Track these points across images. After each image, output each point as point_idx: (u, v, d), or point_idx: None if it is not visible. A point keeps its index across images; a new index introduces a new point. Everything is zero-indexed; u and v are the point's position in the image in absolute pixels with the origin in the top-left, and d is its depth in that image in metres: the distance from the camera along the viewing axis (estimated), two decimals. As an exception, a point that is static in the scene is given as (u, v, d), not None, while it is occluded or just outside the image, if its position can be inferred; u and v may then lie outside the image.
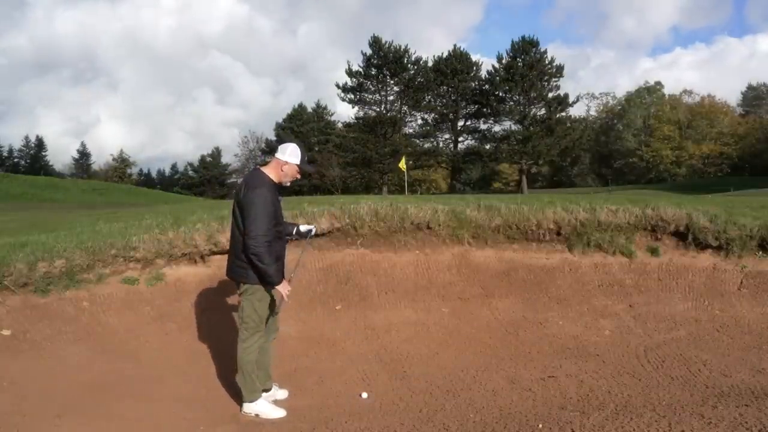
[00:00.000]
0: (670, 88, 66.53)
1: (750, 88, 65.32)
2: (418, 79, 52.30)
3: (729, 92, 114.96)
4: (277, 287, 3.66)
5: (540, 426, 3.32)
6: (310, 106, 66.83)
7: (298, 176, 3.78)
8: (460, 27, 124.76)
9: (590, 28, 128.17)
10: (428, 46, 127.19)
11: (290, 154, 3.68)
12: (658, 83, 62.85)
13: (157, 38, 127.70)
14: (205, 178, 68.95)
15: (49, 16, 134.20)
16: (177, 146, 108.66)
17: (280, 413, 3.77)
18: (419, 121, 55.26)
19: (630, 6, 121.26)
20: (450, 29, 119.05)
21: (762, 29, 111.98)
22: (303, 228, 4.10)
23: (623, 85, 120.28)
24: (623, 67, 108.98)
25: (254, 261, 3.53)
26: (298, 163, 3.70)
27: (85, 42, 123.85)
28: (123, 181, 62.03)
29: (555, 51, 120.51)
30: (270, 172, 3.71)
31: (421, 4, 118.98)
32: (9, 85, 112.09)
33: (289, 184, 3.78)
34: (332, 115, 65.95)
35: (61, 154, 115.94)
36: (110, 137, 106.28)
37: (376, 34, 51.65)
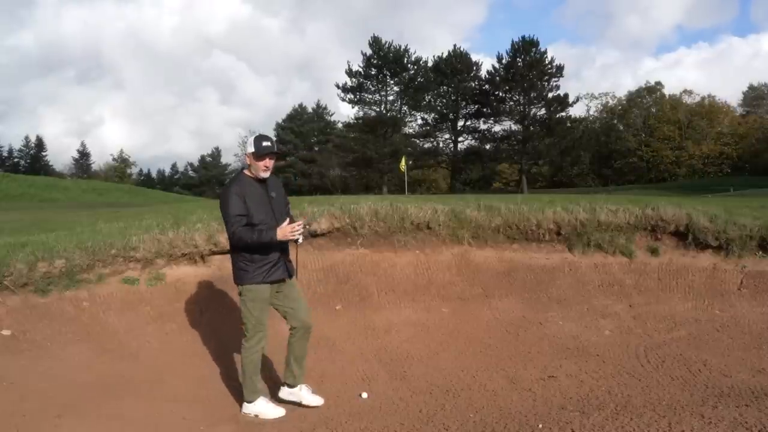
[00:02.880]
0: (672, 88, 66.51)
1: (751, 88, 65.31)
2: (418, 79, 52.34)
3: (733, 91, 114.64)
4: (279, 237, 3.55)
5: (540, 426, 3.32)
6: (310, 106, 66.88)
7: (268, 160, 3.67)
8: (465, 26, 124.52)
9: (595, 28, 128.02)
10: (434, 45, 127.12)
11: (249, 146, 3.71)
12: (659, 83, 62.85)
13: (162, 38, 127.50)
14: (205, 178, 68.98)
15: (52, 15, 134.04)
16: (180, 146, 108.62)
17: (279, 413, 3.76)
18: (419, 121, 55.39)
19: (635, 5, 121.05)
20: (455, 29, 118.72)
21: (766, 28, 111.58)
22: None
23: (627, 84, 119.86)
24: (627, 67, 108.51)
25: (243, 247, 3.59)
26: (254, 150, 3.64)
27: (88, 41, 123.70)
28: (123, 181, 62.01)
29: (559, 51, 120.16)
30: (247, 170, 3.75)
31: (428, 3, 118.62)
32: (12, 85, 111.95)
33: (267, 174, 3.69)
34: (332, 115, 66.02)
35: (63, 154, 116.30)
36: (113, 137, 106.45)
37: (376, 34, 51.74)
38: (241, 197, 3.57)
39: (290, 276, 3.83)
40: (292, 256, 3.93)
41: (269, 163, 3.68)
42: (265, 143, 3.64)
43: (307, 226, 3.79)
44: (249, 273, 3.65)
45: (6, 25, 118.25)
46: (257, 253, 3.64)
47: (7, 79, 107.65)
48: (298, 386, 3.91)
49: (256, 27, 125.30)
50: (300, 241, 3.72)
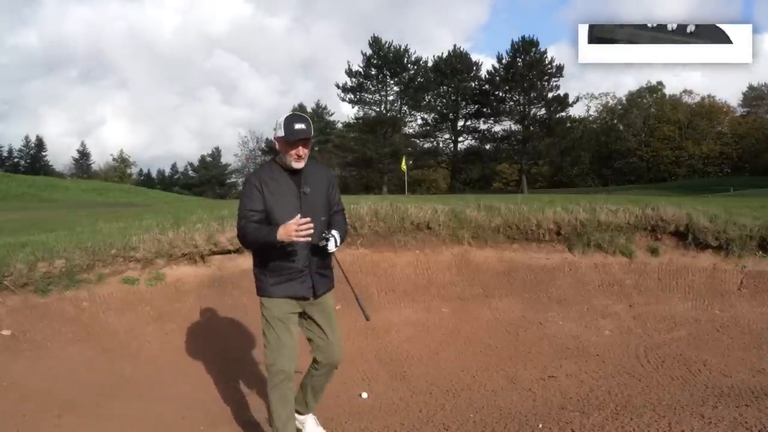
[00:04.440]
0: (673, 88, 66.42)
1: (751, 88, 65.27)
2: (418, 79, 52.41)
3: (733, 91, 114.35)
4: (282, 237, 2.77)
5: (540, 426, 3.33)
6: (310, 106, 66.88)
7: (301, 148, 2.94)
8: (468, 26, 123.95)
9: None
10: (438, 45, 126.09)
11: (278, 128, 2.94)
12: (660, 83, 62.86)
13: (164, 37, 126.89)
14: (205, 178, 68.98)
15: (54, 14, 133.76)
16: (181, 146, 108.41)
17: None
18: (419, 121, 55.48)
19: (638, 4, 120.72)
20: (458, 28, 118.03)
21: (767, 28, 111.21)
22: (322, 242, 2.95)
23: (629, 84, 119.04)
24: (629, 66, 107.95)
25: (252, 248, 3.05)
26: (284, 134, 2.90)
27: (90, 41, 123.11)
28: (123, 181, 62.00)
29: (562, 51, 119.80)
30: (280, 158, 3.07)
31: (432, 2, 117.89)
32: (13, 84, 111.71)
33: (299, 164, 2.97)
34: (332, 114, 66.06)
35: (64, 154, 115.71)
36: (115, 137, 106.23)
37: (376, 34, 51.83)
38: (259, 189, 2.94)
39: (315, 295, 3.03)
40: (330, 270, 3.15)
41: (302, 151, 2.94)
42: (298, 125, 2.89)
43: (325, 233, 2.92)
44: (263, 284, 3.01)
45: (8, 24, 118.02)
46: (271, 259, 2.95)
47: (9, 79, 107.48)
48: (307, 415, 3.37)
49: (258, 27, 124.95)
50: (330, 248, 2.91)
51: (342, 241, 3.00)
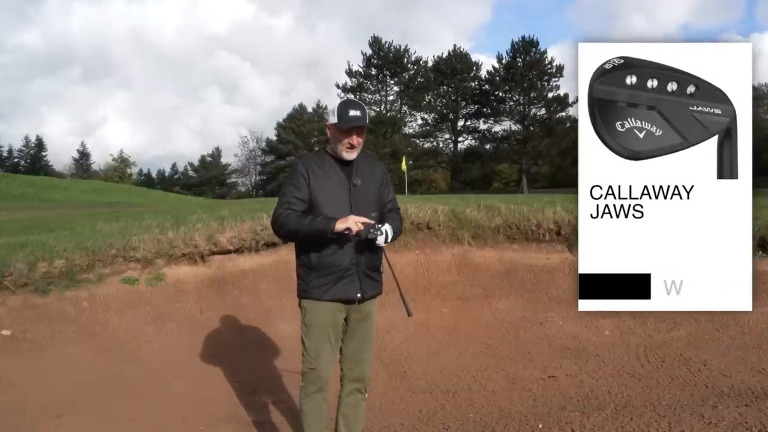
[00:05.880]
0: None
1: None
2: (418, 79, 52.44)
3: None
4: (338, 227, 2.53)
5: (540, 426, 3.33)
6: (310, 106, 66.87)
7: (354, 137, 2.69)
8: (471, 26, 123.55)
9: (599, 27, 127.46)
10: (441, 45, 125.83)
11: (331, 115, 2.72)
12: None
13: (166, 37, 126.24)
14: (205, 178, 68.97)
15: (56, 14, 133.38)
16: (183, 146, 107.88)
17: None
18: (419, 121, 55.47)
19: (641, 4, 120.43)
20: (461, 28, 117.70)
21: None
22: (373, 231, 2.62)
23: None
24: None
25: (283, 236, 2.78)
26: (337, 121, 2.66)
27: (92, 40, 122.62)
28: (123, 181, 61.96)
29: (564, 50, 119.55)
30: (330, 147, 2.81)
31: (436, 2, 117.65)
32: (15, 84, 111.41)
33: (351, 154, 2.72)
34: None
35: (64, 154, 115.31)
36: (116, 136, 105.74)
37: (376, 34, 51.90)
38: (306, 178, 2.67)
39: (363, 298, 2.76)
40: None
41: (356, 140, 2.70)
42: (352, 112, 2.66)
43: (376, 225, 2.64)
44: (306, 284, 2.72)
45: (10, 23, 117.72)
46: (317, 256, 2.67)
47: (11, 79, 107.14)
48: None
49: (260, 26, 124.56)
50: (380, 242, 2.61)
51: (395, 238, 2.71)
